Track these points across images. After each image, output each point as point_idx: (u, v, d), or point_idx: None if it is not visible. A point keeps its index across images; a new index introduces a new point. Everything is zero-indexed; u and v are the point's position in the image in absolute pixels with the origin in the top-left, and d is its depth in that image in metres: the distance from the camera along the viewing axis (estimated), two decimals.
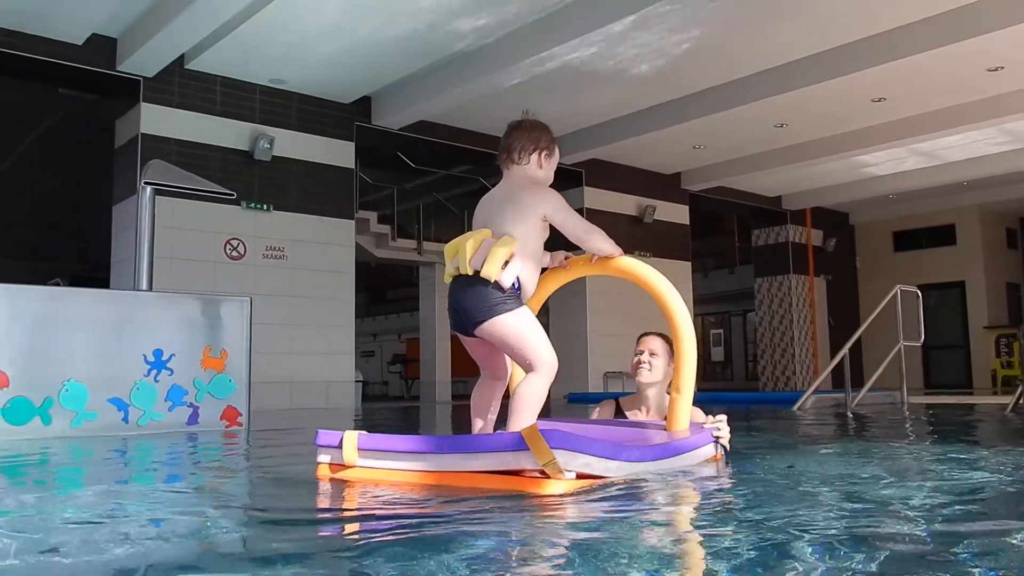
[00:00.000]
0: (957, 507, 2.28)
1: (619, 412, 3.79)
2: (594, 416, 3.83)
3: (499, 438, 2.64)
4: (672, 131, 12.11)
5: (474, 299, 2.91)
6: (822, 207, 17.77)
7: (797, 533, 1.85)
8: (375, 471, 2.81)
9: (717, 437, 3.33)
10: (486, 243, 2.92)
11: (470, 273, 2.91)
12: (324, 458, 2.91)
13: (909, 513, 2.16)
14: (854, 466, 3.39)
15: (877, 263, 18.61)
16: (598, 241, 3.11)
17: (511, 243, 2.91)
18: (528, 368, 2.93)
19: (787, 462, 3.48)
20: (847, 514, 2.13)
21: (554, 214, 3.02)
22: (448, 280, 3.04)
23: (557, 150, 3.19)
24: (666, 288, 3.14)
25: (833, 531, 1.89)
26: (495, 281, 2.87)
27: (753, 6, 8.64)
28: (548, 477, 2.49)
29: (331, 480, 2.85)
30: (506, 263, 2.89)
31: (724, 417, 3.45)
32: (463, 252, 2.94)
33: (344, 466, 2.84)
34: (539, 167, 3.11)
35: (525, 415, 2.87)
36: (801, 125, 12.36)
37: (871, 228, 19.03)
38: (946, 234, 18.06)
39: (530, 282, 3.00)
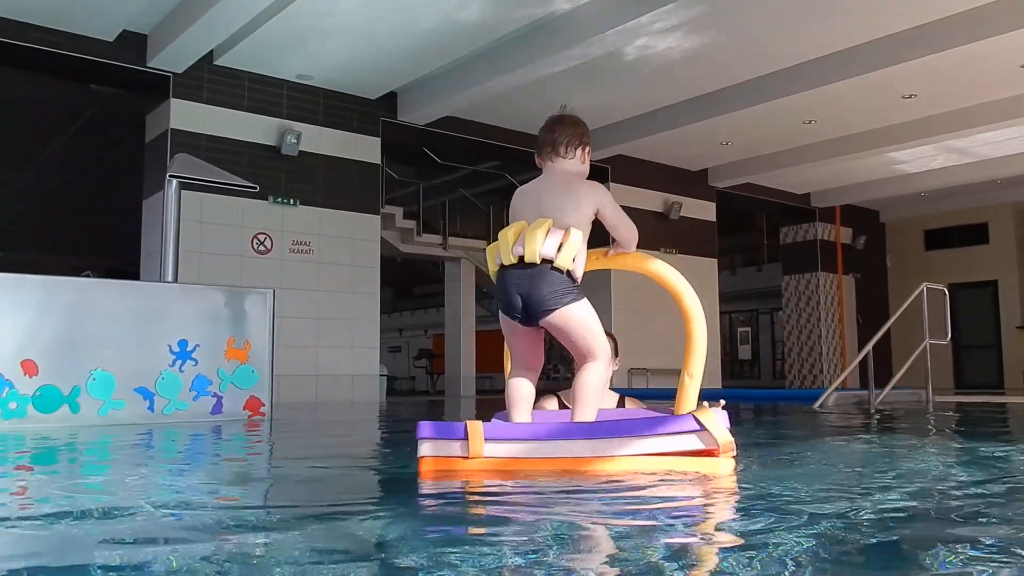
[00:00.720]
0: (943, 498, 2.28)
1: (562, 405, 3.81)
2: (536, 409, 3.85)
3: (671, 420, 2.67)
4: (699, 127, 12.07)
5: (546, 288, 2.88)
6: (852, 204, 17.58)
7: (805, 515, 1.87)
8: (513, 460, 2.63)
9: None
10: (554, 232, 2.92)
11: (537, 262, 2.88)
12: (433, 450, 2.66)
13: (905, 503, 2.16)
14: (863, 459, 3.38)
15: (908, 261, 18.39)
16: (633, 240, 3.15)
17: (579, 234, 2.93)
18: (588, 357, 2.96)
19: (797, 452, 3.48)
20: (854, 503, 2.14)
21: (605, 207, 3.06)
22: (495, 268, 3.01)
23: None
24: (676, 279, 3.17)
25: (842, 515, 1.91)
26: (567, 271, 2.89)
27: (781, 2, 8.58)
28: (709, 456, 2.60)
29: (459, 472, 2.60)
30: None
31: (723, 401, 3.60)
32: (532, 240, 2.89)
33: (466, 458, 2.62)
34: (582, 162, 3.17)
35: (592, 403, 2.93)
36: (829, 121, 12.25)
37: (902, 226, 18.80)
38: (979, 232, 17.81)
39: (582, 273, 3.03)
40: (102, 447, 4.17)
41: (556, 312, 2.89)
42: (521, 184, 3.27)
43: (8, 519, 2.05)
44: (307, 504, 2.35)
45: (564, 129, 3.14)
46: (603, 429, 2.69)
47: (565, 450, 2.66)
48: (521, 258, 2.91)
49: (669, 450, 2.63)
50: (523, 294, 2.91)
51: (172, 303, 5.76)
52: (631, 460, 2.63)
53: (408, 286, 26.09)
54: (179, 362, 5.64)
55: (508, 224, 3.12)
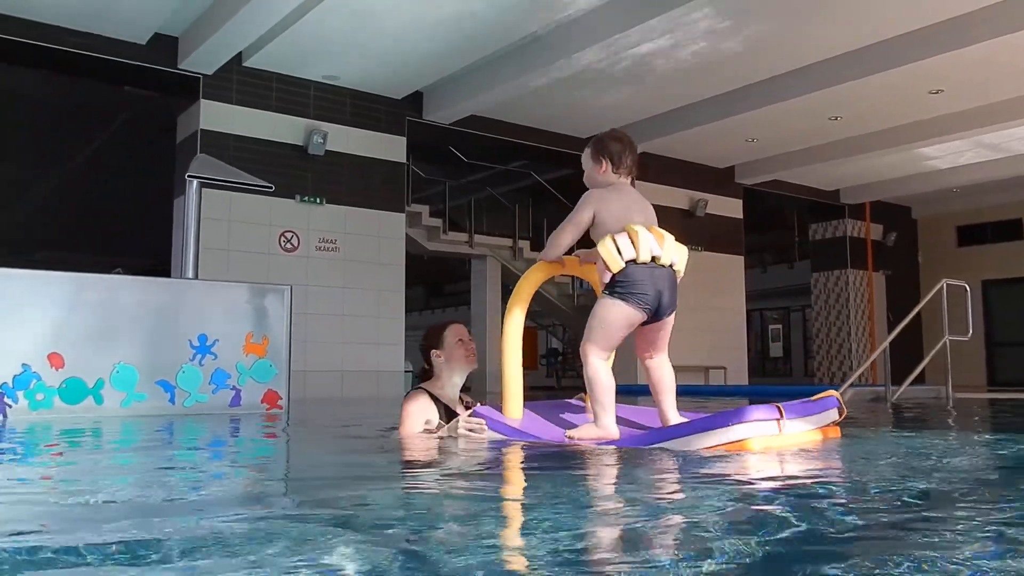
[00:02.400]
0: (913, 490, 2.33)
1: (437, 401, 3.81)
2: (414, 407, 3.77)
3: (829, 401, 3.44)
4: (724, 124, 12.05)
5: (675, 290, 3.34)
6: (882, 201, 17.40)
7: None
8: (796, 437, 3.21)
9: None
10: (673, 242, 3.35)
11: (667, 265, 3.29)
12: (749, 431, 3.02)
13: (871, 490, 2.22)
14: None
15: (940, 258, 18.13)
16: None
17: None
18: (666, 352, 3.46)
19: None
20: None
21: None
22: (622, 264, 3.25)
23: None
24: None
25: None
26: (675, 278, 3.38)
27: None
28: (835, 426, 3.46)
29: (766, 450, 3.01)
30: None
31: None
32: (669, 245, 3.30)
33: (777, 435, 3.09)
34: None
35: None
36: (855, 118, 12.16)
37: (934, 222, 18.55)
38: (1012, 228, 17.49)
39: None
40: (129, 437, 4.35)
41: (673, 313, 3.35)
42: (591, 187, 3.56)
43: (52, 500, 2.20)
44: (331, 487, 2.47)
45: (636, 153, 3.60)
46: (817, 406, 3.42)
47: (805, 425, 3.30)
48: (655, 258, 3.24)
49: (834, 421, 3.43)
50: (660, 291, 3.26)
51: (192, 299, 5.95)
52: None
53: (439, 284, 26.30)
54: (199, 356, 5.83)
55: (569, 220, 3.44)
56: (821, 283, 17.60)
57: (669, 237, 3.31)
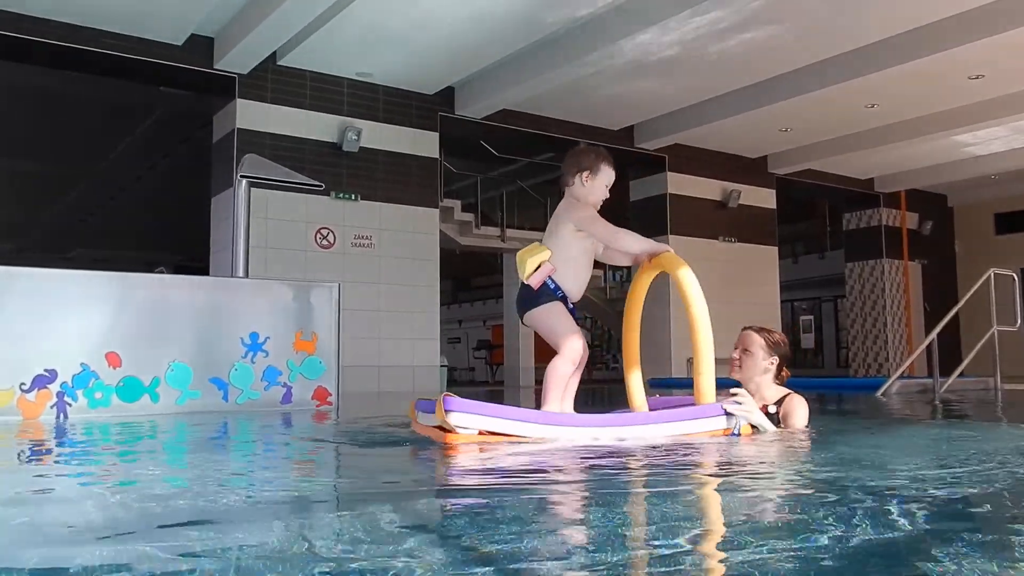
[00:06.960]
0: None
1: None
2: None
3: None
4: (757, 114, 11.93)
5: (519, 298, 3.59)
6: (918, 189, 17.18)
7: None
8: None
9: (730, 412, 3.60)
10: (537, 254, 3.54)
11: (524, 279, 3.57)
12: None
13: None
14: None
15: (978, 246, 17.88)
16: (624, 240, 3.59)
17: (539, 252, 3.50)
18: (558, 351, 3.51)
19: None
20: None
21: (581, 223, 3.52)
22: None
23: (604, 167, 3.64)
24: (691, 286, 3.55)
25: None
26: (526, 283, 3.51)
27: None
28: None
29: None
30: (538, 268, 3.47)
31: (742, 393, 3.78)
32: (521, 263, 3.57)
33: None
34: (582, 185, 3.61)
35: (549, 392, 3.50)
36: (892, 105, 12.01)
37: (971, 210, 18.29)
38: None
39: (568, 282, 3.53)
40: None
41: (524, 316, 3.57)
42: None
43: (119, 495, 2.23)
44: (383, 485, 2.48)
45: (566, 161, 3.69)
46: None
47: None
48: None
49: None
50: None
51: (243, 297, 6.00)
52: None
53: (467, 278, 26.36)
54: (251, 354, 5.88)
55: None
56: (856, 273, 17.42)
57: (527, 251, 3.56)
